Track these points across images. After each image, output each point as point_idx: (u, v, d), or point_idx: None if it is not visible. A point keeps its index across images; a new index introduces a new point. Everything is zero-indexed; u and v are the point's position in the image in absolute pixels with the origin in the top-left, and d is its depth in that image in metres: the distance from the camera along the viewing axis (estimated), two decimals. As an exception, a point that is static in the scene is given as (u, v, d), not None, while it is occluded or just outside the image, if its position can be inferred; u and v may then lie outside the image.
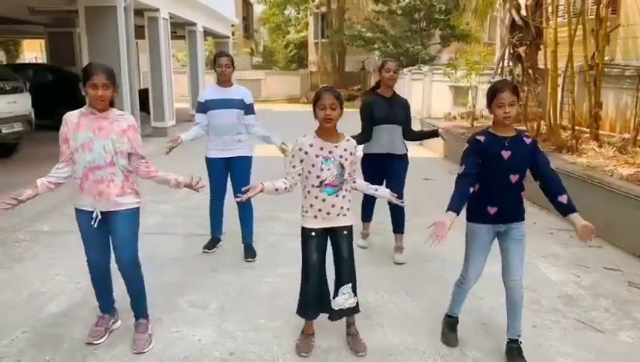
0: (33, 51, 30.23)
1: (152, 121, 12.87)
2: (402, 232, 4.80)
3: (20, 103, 8.97)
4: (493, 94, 2.95)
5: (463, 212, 3.01)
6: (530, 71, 9.77)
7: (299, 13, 31.41)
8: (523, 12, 9.56)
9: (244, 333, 3.45)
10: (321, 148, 3.06)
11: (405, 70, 18.57)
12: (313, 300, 3.23)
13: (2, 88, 8.60)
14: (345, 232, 3.19)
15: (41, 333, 3.44)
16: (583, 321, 3.66)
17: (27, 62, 27.08)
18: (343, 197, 3.16)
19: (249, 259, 4.74)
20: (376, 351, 3.25)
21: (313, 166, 3.07)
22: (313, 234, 3.15)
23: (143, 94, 12.42)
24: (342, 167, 3.09)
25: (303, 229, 3.18)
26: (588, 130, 7.77)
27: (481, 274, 3.24)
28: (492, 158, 2.96)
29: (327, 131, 3.06)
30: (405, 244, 4.79)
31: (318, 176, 3.07)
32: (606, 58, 9.25)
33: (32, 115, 9.37)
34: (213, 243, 5.01)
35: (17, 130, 8.89)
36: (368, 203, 5.02)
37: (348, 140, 3.15)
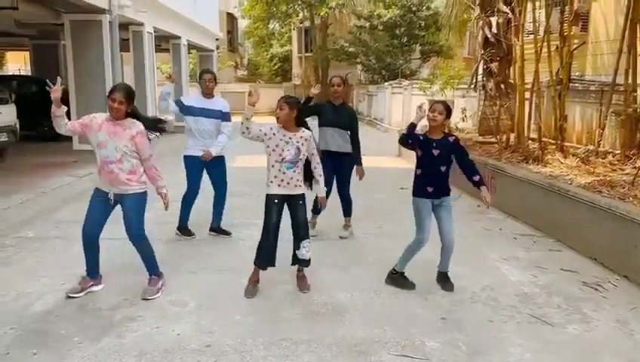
0: (17, 63, 30.22)
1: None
2: (349, 215, 5.87)
3: (5, 114, 9.14)
4: (430, 105, 4.28)
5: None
6: (502, 85, 10.20)
7: (283, 28, 31.82)
8: (495, 29, 9.99)
9: (220, 328, 3.69)
10: (284, 135, 4.13)
11: (386, 84, 19.02)
12: (270, 254, 4.24)
13: (-12, 99, 8.78)
14: (300, 201, 4.22)
15: (28, 329, 3.64)
16: (535, 316, 3.96)
17: (12, 73, 27.03)
18: (299, 173, 4.20)
19: (227, 236, 5.74)
20: (343, 343, 3.51)
21: (277, 146, 4.12)
22: (276, 201, 4.16)
23: (128, 106, 12.60)
24: (298, 149, 4.13)
25: (268, 196, 4.18)
26: (554, 141, 8.16)
27: (429, 233, 4.26)
28: (426, 154, 4.22)
29: (284, 125, 4.14)
30: (379, 249, 5.10)
31: (280, 154, 4.11)
32: (576, 74, 9.73)
33: (17, 126, 9.53)
34: (186, 231, 5.74)
35: (2, 140, 9.06)
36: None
37: (304, 131, 4.21)
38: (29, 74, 19.67)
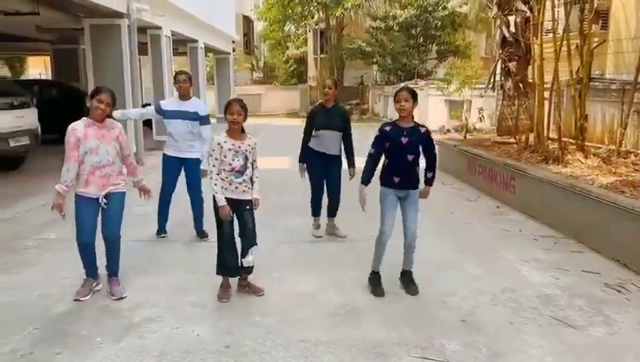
0: (38, 67, 30.72)
1: (155, 135, 13.19)
2: (334, 216, 5.93)
3: (27, 118, 9.29)
4: (394, 96, 4.14)
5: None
6: (521, 85, 10.10)
7: (298, 30, 31.84)
8: (513, 28, 9.91)
9: (240, 329, 3.71)
10: (232, 144, 4.05)
11: (402, 84, 18.94)
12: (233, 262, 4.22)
13: (11, 103, 8.94)
14: (247, 207, 4.16)
15: (51, 329, 3.70)
16: (557, 318, 3.91)
17: (33, 78, 27.52)
18: (247, 180, 4.14)
19: (204, 239, 5.67)
20: (362, 344, 3.50)
21: (225, 156, 4.03)
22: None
23: (146, 109, 12.74)
24: (246, 158, 4.09)
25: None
26: (575, 141, 8.05)
27: (393, 227, 4.22)
28: (395, 143, 4.10)
29: (234, 132, 4.07)
30: (395, 250, 5.05)
31: (230, 164, 4.04)
32: (596, 72, 9.59)
33: (39, 129, 9.69)
34: (162, 231, 5.78)
35: (24, 143, 9.20)
36: (317, 200, 5.93)
37: (250, 138, 4.15)
38: (50, 78, 19.98)
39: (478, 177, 8.60)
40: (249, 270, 4.27)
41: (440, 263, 4.27)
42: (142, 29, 12.07)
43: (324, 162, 5.69)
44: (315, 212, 5.97)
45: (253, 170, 4.22)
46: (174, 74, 5.82)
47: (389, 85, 22.11)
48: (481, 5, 11.36)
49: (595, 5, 8.29)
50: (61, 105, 12.79)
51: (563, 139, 7.82)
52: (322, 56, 29.38)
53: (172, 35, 13.76)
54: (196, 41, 16.38)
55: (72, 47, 16.04)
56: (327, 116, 5.66)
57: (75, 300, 4.12)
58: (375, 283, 4.35)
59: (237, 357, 3.34)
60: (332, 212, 5.93)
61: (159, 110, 5.64)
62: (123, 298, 4.17)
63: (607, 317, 3.95)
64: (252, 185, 4.22)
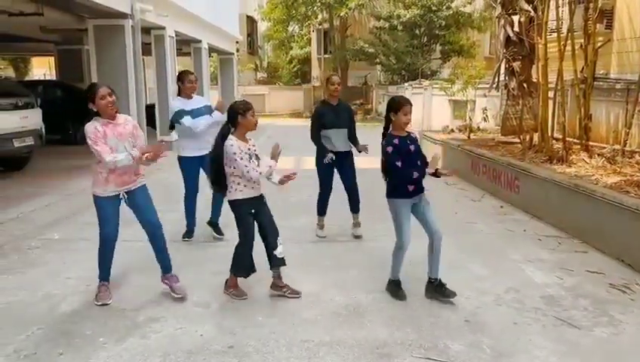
0: (42, 68, 30.84)
1: (159, 135, 13.21)
2: (357, 212, 5.88)
3: (32, 118, 9.31)
4: (398, 106, 4.07)
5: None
6: (525, 85, 10.05)
7: (302, 30, 31.85)
8: (517, 28, 9.86)
9: (243, 329, 3.71)
10: (248, 149, 4.13)
11: (406, 84, 18.93)
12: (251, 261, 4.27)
13: (15, 104, 8.96)
14: (264, 200, 4.25)
15: (54, 329, 3.71)
16: (561, 319, 3.89)
17: (38, 78, 27.62)
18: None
19: (219, 236, 5.74)
20: (365, 345, 3.49)
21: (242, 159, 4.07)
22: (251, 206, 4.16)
23: (150, 109, 12.78)
24: (257, 157, 4.19)
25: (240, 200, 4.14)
26: (579, 141, 8.02)
27: (410, 236, 4.15)
28: (405, 153, 4.08)
29: (242, 135, 4.17)
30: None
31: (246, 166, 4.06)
32: (601, 72, 9.54)
33: (43, 130, 9.71)
34: (190, 233, 5.82)
35: (29, 143, 9.22)
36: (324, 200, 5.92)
37: (250, 139, 4.24)
38: (54, 79, 20.04)
39: (482, 177, 8.58)
40: (282, 261, 4.25)
41: (444, 263, 4.24)
42: (146, 30, 12.11)
43: (338, 161, 5.64)
44: (321, 211, 5.95)
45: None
46: (179, 73, 5.73)
47: (393, 85, 22.07)
48: (485, 5, 11.29)
49: (600, 4, 8.25)
50: (65, 105, 12.82)
51: (567, 138, 7.79)
52: (326, 56, 29.39)
53: (176, 35, 13.79)
54: (200, 41, 16.40)
55: (76, 48, 16.09)
56: (335, 114, 5.65)
57: (101, 305, 4.06)
58: (394, 289, 4.30)
59: (240, 358, 3.34)
60: (355, 207, 5.89)
61: (180, 114, 5.49)
62: (185, 295, 4.17)
63: (612, 317, 3.93)
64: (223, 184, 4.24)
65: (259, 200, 4.22)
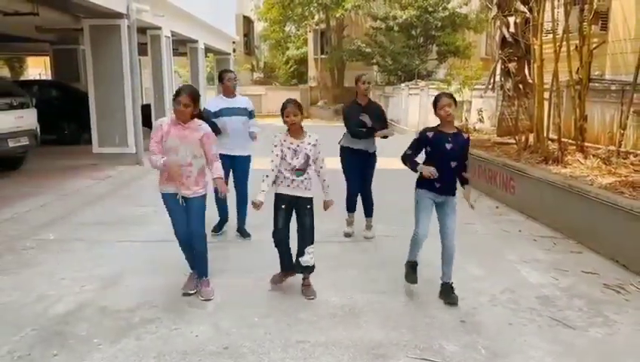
0: (37, 67, 30.72)
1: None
2: (371, 216, 5.88)
3: (27, 118, 9.28)
4: (435, 102, 4.06)
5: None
6: (521, 85, 10.08)
7: (299, 30, 31.84)
8: (512, 29, 9.89)
9: (238, 330, 3.70)
10: (292, 143, 4.10)
11: (402, 85, 18.95)
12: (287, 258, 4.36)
13: (10, 104, 8.93)
14: (308, 206, 4.18)
15: (48, 331, 3.69)
16: (556, 319, 3.90)
17: (33, 78, 27.52)
18: (308, 178, 4.17)
19: (247, 238, 5.77)
20: (361, 345, 3.49)
21: (286, 156, 4.10)
22: (284, 203, 4.15)
23: (146, 110, 12.74)
24: (307, 156, 4.11)
25: (276, 195, 4.16)
26: (574, 142, 8.04)
27: (428, 230, 4.13)
28: (438, 149, 4.04)
29: (294, 132, 4.13)
30: (397, 251, 5.05)
31: (289, 163, 4.09)
32: (596, 73, 9.58)
33: (38, 130, 9.68)
34: (221, 224, 5.92)
35: (24, 143, 9.18)
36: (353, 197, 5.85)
37: (310, 136, 4.16)
38: (50, 78, 19.98)
39: (477, 178, 8.59)
40: (308, 269, 4.24)
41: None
42: (142, 30, 12.06)
43: (363, 160, 5.61)
44: (351, 208, 5.85)
45: (320, 168, 4.25)
46: (219, 73, 5.79)
47: (390, 86, 22.09)
48: (481, 6, 11.32)
49: (595, 6, 8.28)
50: (61, 105, 12.80)
51: (563, 139, 7.82)
52: (323, 56, 29.38)
53: (172, 35, 13.75)
54: (196, 41, 16.37)
55: (72, 48, 16.03)
56: (362, 114, 5.51)
57: (183, 294, 4.23)
58: (407, 270, 4.31)
59: (235, 358, 3.33)
60: (368, 212, 5.88)
61: (209, 113, 5.42)
62: (210, 299, 4.17)
63: (607, 317, 3.94)
64: (322, 185, 4.29)
65: (297, 201, 4.17)
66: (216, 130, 5.11)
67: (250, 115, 5.70)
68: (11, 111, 8.90)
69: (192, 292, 4.26)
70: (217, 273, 4.68)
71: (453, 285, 4.20)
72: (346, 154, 5.69)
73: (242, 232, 5.85)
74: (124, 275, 4.52)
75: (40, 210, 6.92)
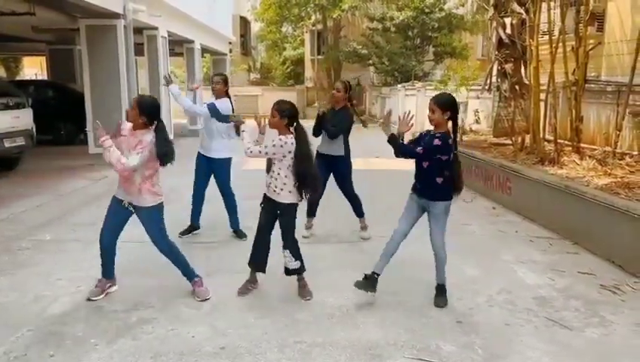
0: (33, 67, 30.64)
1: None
2: (362, 216, 5.90)
3: (23, 118, 9.25)
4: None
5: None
6: (517, 86, 10.10)
7: (295, 31, 31.83)
8: (509, 30, 9.92)
9: (235, 330, 3.70)
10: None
11: (399, 86, 18.96)
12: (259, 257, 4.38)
13: (6, 104, 8.90)
14: (279, 211, 4.22)
15: (45, 331, 3.68)
16: (553, 319, 3.91)
17: (29, 78, 27.43)
18: (275, 178, 4.21)
19: (243, 239, 5.73)
20: (358, 346, 3.49)
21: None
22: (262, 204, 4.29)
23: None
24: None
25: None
26: (570, 143, 8.06)
27: (404, 232, 4.20)
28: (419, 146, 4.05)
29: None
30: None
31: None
32: (592, 74, 9.60)
33: (34, 130, 9.65)
34: (190, 230, 5.93)
35: (20, 144, 9.15)
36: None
37: (281, 138, 4.25)
38: (46, 78, 19.92)
39: (474, 178, 8.60)
40: (288, 271, 4.29)
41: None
42: (138, 30, 12.06)
43: (327, 163, 5.60)
44: (309, 212, 5.89)
45: (281, 170, 4.18)
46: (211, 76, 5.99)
47: (387, 87, 22.10)
48: (477, 7, 11.35)
49: (591, 7, 8.31)
50: (57, 106, 12.76)
51: (559, 140, 7.83)
52: (319, 57, 29.38)
53: (168, 35, 13.75)
54: (193, 41, 16.36)
55: (68, 48, 16.00)
56: (332, 118, 5.61)
57: (88, 300, 4.14)
58: (371, 281, 4.14)
59: (232, 359, 3.33)
60: (357, 212, 5.92)
61: (215, 110, 5.53)
62: (207, 299, 4.18)
63: (603, 318, 3.96)
64: (283, 187, 4.17)
65: (267, 200, 4.25)
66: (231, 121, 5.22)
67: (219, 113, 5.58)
68: (7, 112, 8.87)
69: (96, 299, 4.16)
70: (213, 273, 4.68)
71: (445, 286, 4.21)
72: (316, 157, 5.70)
73: (238, 233, 5.87)
74: (120, 276, 4.50)
75: (36, 210, 6.91)
